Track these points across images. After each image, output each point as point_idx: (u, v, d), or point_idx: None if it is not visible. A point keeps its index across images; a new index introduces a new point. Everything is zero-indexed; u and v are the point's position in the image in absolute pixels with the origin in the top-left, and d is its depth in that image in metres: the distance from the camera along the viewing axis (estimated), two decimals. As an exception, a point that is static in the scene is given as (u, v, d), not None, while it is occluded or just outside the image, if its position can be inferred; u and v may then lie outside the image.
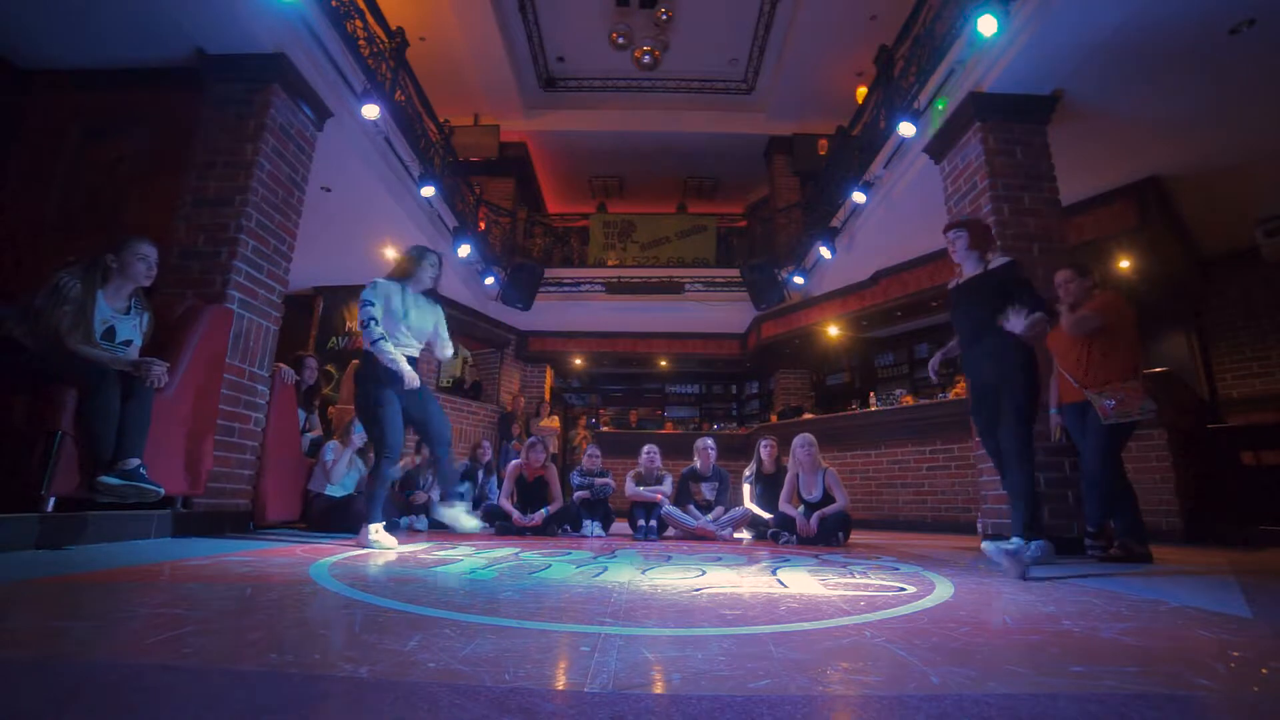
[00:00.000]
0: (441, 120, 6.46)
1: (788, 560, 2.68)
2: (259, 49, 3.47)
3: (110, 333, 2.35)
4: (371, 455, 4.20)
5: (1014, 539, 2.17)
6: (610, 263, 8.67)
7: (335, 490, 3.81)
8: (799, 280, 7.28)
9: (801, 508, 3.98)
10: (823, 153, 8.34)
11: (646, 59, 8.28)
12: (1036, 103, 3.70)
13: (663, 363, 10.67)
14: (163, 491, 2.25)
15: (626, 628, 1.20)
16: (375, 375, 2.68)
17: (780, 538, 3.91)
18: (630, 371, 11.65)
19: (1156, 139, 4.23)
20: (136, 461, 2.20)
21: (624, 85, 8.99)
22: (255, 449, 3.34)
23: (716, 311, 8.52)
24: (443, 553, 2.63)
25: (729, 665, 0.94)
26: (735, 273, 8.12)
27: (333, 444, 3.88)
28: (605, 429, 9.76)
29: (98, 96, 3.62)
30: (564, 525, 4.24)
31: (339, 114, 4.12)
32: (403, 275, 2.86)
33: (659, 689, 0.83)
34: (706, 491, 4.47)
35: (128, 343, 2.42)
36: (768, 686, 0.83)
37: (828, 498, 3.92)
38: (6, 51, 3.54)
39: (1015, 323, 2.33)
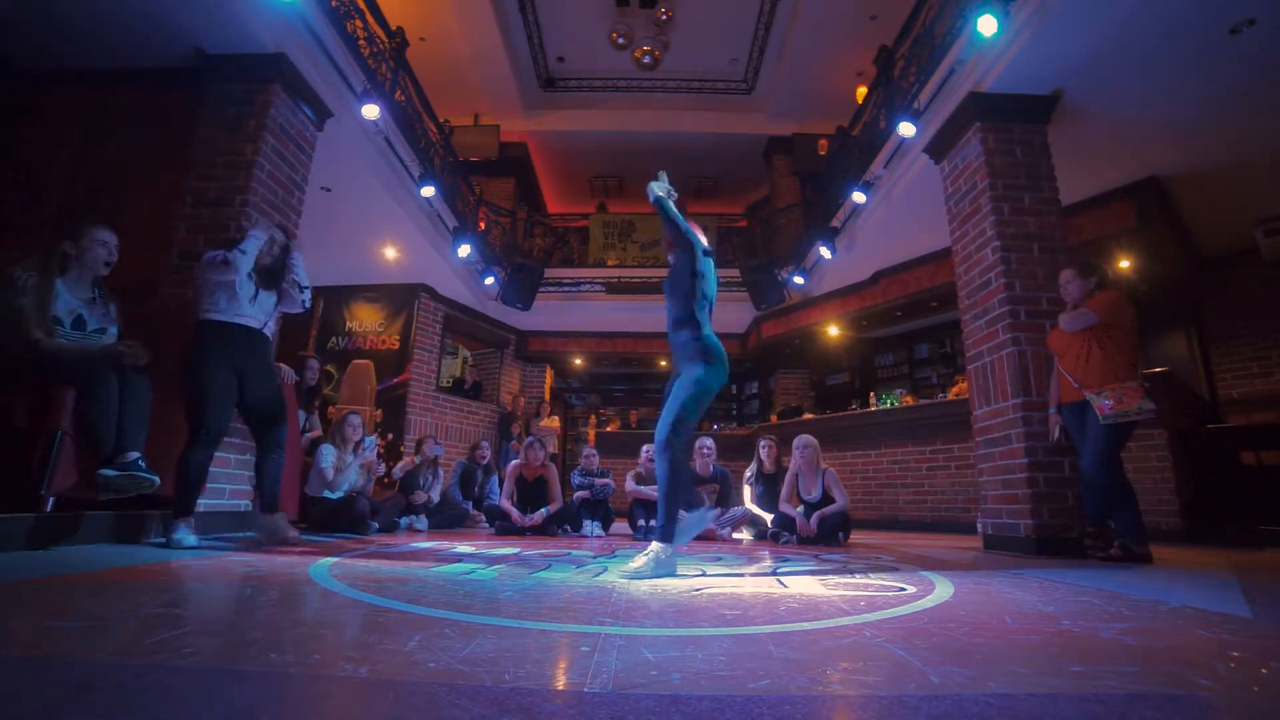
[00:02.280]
0: (441, 120, 6.46)
1: (788, 560, 2.68)
2: (259, 49, 3.47)
3: (80, 322, 2.32)
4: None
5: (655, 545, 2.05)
6: (610, 263, 8.67)
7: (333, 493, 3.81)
8: (799, 280, 7.28)
9: (801, 508, 3.98)
10: (823, 153, 8.34)
11: (646, 59, 8.28)
12: (1036, 103, 3.70)
13: (663, 363, 10.65)
14: (158, 480, 2.24)
15: (626, 628, 1.20)
16: (206, 343, 2.49)
17: (780, 538, 3.91)
18: (630, 371, 11.65)
19: (1156, 139, 4.22)
20: (135, 454, 2.20)
21: (624, 85, 8.98)
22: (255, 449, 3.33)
23: (716, 311, 8.49)
24: (443, 553, 2.63)
25: (729, 665, 0.94)
26: (735, 273, 8.11)
27: (328, 449, 3.86)
28: (606, 429, 9.76)
29: (98, 96, 3.62)
30: (564, 525, 4.24)
31: (339, 114, 4.12)
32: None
33: (659, 689, 0.83)
34: (705, 496, 4.47)
35: (101, 331, 2.38)
36: (768, 686, 0.83)
37: (827, 498, 3.93)
38: (7, 52, 3.54)
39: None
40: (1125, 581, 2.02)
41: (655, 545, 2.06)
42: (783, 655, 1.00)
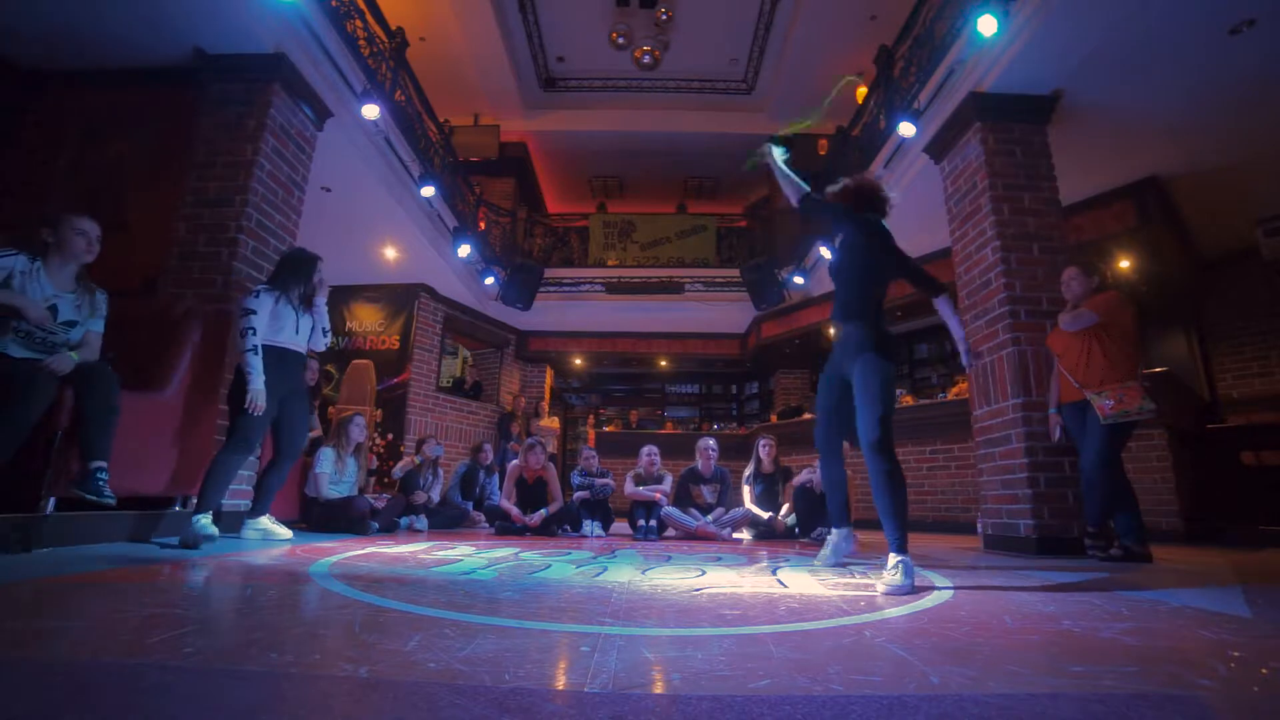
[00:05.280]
0: (441, 120, 6.46)
1: (788, 560, 2.68)
2: (259, 49, 3.47)
3: (52, 311, 2.23)
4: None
5: None
6: (610, 263, 8.67)
7: (334, 491, 3.81)
8: (799, 280, 7.28)
9: None
10: (823, 153, 8.34)
11: (646, 59, 8.28)
12: (1036, 102, 3.70)
13: (663, 363, 10.66)
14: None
15: (626, 628, 1.20)
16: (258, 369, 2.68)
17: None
18: (630, 371, 11.65)
19: (1156, 139, 4.22)
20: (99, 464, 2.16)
21: (624, 85, 8.98)
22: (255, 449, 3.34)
23: (716, 311, 8.52)
24: (443, 553, 2.63)
25: (729, 665, 0.94)
26: (735, 273, 8.12)
27: (327, 452, 3.85)
28: (606, 429, 9.77)
29: (98, 96, 3.62)
30: (564, 525, 4.24)
31: (339, 114, 4.12)
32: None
33: (659, 689, 0.83)
34: (707, 494, 4.48)
35: (71, 324, 2.28)
36: (768, 686, 0.83)
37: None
38: (7, 52, 3.54)
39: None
40: (1125, 581, 2.01)
41: (896, 557, 1.85)
42: (783, 655, 1.00)
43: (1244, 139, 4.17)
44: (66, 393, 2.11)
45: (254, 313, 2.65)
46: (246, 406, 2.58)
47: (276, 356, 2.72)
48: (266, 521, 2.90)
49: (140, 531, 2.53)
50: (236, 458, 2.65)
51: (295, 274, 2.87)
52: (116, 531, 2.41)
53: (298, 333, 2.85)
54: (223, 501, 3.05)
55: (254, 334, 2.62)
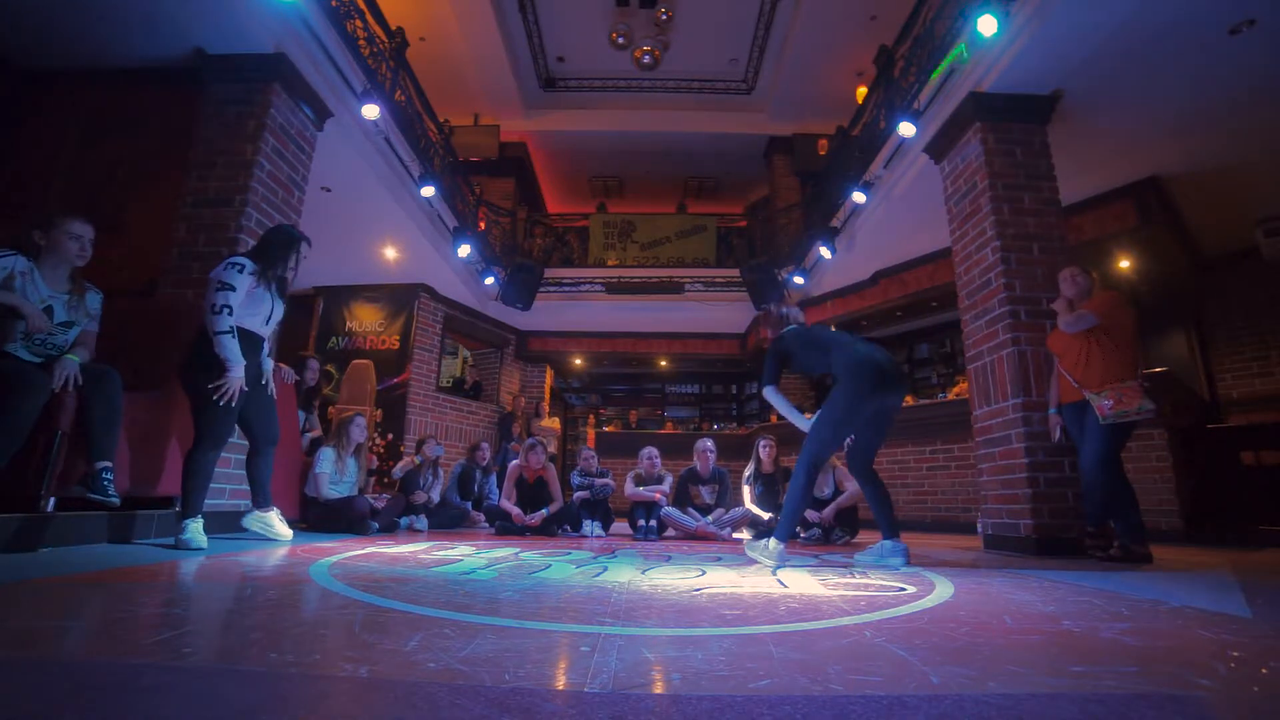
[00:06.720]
0: (441, 120, 6.46)
1: (788, 560, 2.68)
2: (259, 49, 3.47)
3: (49, 312, 2.20)
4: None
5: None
6: (610, 263, 8.67)
7: (334, 491, 3.81)
8: (799, 280, 7.28)
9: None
10: (823, 153, 8.34)
11: (646, 59, 8.28)
12: (1036, 103, 3.70)
13: (663, 363, 10.66)
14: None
15: (626, 628, 1.20)
16: (218, 362, 2.40)
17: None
18: (630, 371, 11.65)
19: (1156, 139, 4.22)
20: (105, 464, 2.16)
21: (624, 85, 8.99)
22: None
23: (716, 311, 8.52)
24: (443, 553, 2.63)
25: (729, 665, 0.94)
26: (735, 273, 8.12)
27: (327, 452, 3.85)
28: (606, 429, 9.77)
29: (98, 96, 3.62)
30: (564, 525, 4.24)
31: (339, 114, 4.12)
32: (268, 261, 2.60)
33: (659, 689, 0.83)
34: (706, 495, 4.48)
35: (67, 325, 2.25)
36: (768, 686, 0.83)
37: (838, 492, 4.10)
38: (6, 51, 3.54)
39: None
40: (1125, 581, 2.01)
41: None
42: (783, 655, 1.00)
43: (1244, 139, 4.17)
44: (68, 394, 2.11)
45: (232, 289, 2.38)
46: (217, 397, 2.34)
47: (245, 341, 2.48)
48: (274, 517, 2.75)
49: (139, 532, 2.52)
50: (212, 455, 2.47)
51: (283, 254, 2.62)
52: (115, 531, 2.41)
53: (268, 322, 2.64)
54: (221, 502, 3.06)
55: (230, 313, 2.35)
